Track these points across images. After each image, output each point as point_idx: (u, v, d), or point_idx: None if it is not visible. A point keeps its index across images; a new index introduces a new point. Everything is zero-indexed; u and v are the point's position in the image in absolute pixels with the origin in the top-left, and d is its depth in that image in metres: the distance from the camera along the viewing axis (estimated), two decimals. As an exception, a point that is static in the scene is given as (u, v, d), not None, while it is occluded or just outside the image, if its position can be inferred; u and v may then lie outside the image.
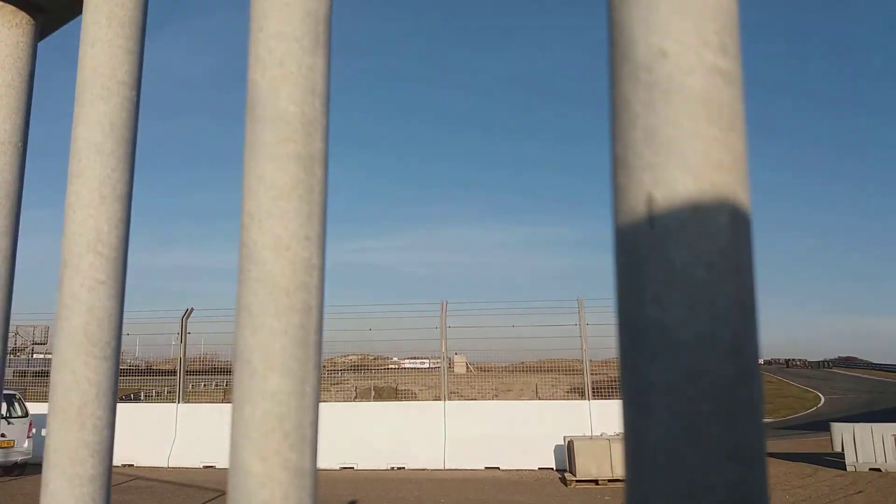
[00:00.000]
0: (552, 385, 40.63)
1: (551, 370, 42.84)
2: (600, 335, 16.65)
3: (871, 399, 38.87)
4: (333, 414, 16.08)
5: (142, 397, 37.60)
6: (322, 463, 14.79)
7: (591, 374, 16.42)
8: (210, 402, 18.69)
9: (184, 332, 16.42)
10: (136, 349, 23.58)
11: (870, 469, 13.72)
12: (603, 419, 15.07)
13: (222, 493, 11.42)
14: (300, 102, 0.48)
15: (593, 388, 16.70)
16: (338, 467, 14.74)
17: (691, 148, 0.35)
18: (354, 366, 46.92)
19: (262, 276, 0.48)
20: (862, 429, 14.09)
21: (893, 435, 13.94)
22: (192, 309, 16.68)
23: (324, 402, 18.94)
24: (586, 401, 15.64)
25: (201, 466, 14.82)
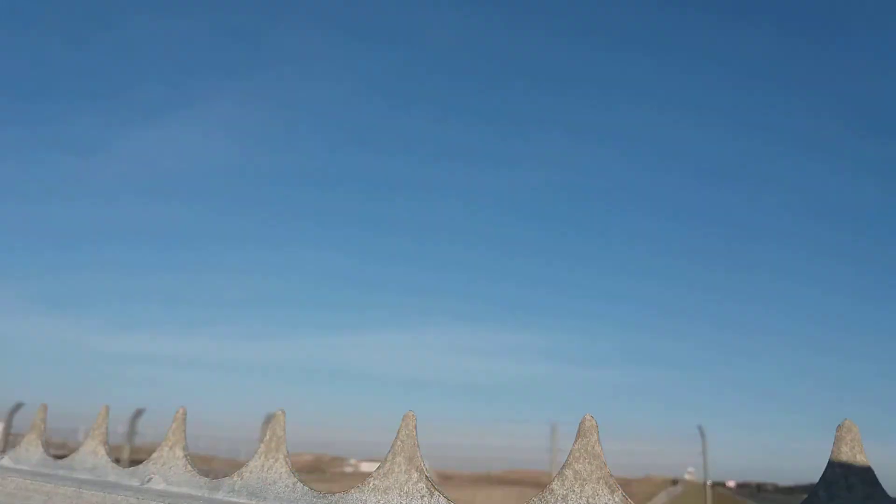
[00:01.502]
0: (516, 500, 39.45)
1: (517, 482, 41.81)
2: (570, 448, 16.08)
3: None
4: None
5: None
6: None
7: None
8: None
9: (132, 433, 15.53)
10: (80, 436, 22.27)
11: None
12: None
13: None
14: None
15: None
16: None
17: None
18: (308, 467, 45.22)
19: None
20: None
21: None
22: (143, 409, 15.82)
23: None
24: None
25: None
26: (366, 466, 47.51)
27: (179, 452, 1.13)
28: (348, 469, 46.55)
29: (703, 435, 15.26)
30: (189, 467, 1.11)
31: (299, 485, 0.96)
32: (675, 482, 60.13)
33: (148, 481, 1.14)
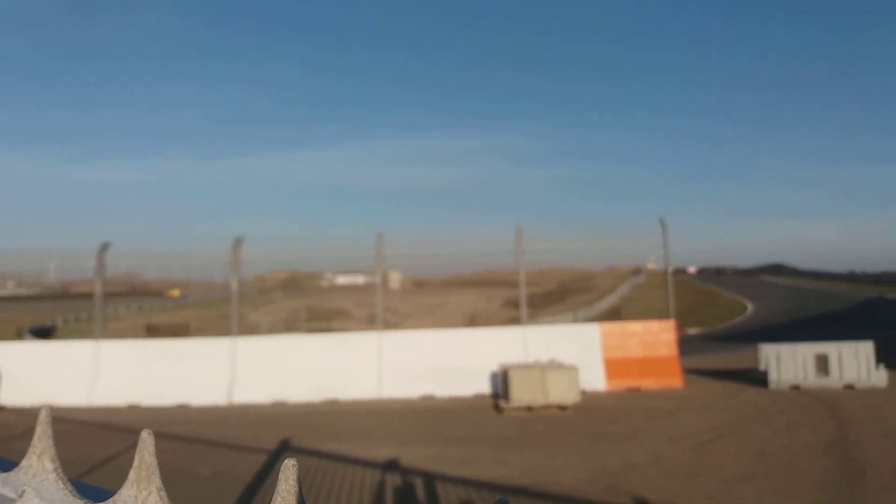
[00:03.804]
0: (487, 299, 41.25)
1: (487, 283, 43.46)
2: (536, 248, 16.42)
3: (796, 307, 40.52)
4: (264, 347, 15.74)
5: (59, 323, 36.67)
6: (253, 397, 14.52)
7: (526, 287, 16.34)
8: (133, 338, 18.16)
9: (101, 267, 15.52)
10: (52, 273, 22.12)
11: (790, 387, 14.21)
12: (538, 345, 15.11)
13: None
14: None
15: (528, 303, 16.73)
16: (269, 401, 14.49)
17: None
18: (285, 282, 46.44)
19: None
20: (786, 350, 14.52)
21: (814, 354, 14.40)
22: (109, 243, 15.72)
23: (250, 333, 18.51)
24: (521, 327, 15.61)
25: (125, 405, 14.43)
26: (341, 280, 48.96)
27: (48, 464, 0.99)
28: (324, 283, 47.93)
29: (663, 226, 15.67)
30: (61, 483, 0.98)
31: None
32: (637, 272, 63.22)
33: (21, 495, 1.01)
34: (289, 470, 0.81)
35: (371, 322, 19.23)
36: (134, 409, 14.20)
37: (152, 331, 24.17)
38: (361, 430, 11.68)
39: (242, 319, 16.70)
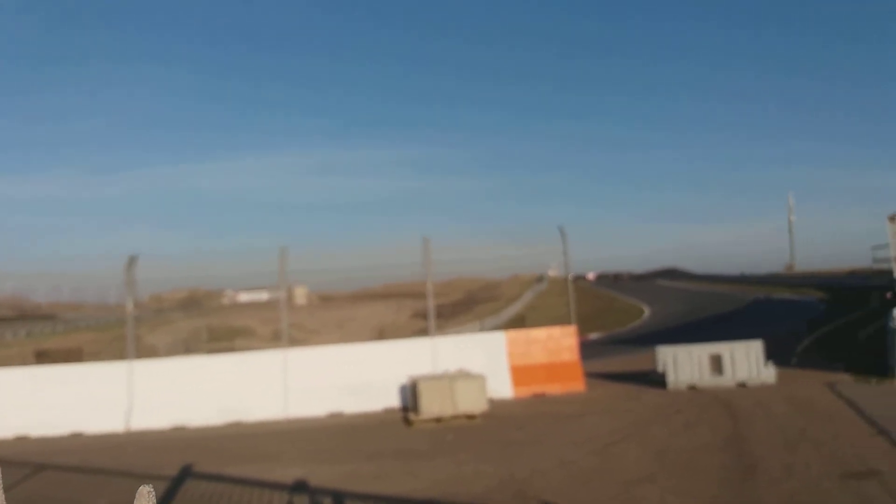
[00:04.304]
0: (396, 312, 41.16)
1: (395, 295, 43.34)
2: (443, 259, 16.52)
3: (690, 310, 42.26)
4: (163, 370, 15.17)
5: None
6: (152, 423, 13.96)
7: (434, 298, 16.41)
8: (22, 365, 17.18)
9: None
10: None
11: (687, 387, 14.79)
12: (447, 355, 15.17)
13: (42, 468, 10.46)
14: None
15: (437, 313, 16.78)
16: (169, 427, 13.96)
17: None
18: (184, 301, 44.96)
19: None
20: (682, 351, 15.11)
21: (709, 355, 15.05)
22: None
23: (148, 356, 17.84)
24: (430, 338, 15.64)
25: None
26: (244, 297, 47.77)
27: None
28: (226, 301, 46.66)
29: (563, 234, 16.07)
30: None
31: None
32: (540, 279, 64.71)
33: None
34: (143, 497, 0.77)
35: (276, 340, 18.87)
36: (23, 441, 13.40)
37: (42, 357, 22.87)
38: (268, 452, 11.41)
39: (139, 342, 16.09)
